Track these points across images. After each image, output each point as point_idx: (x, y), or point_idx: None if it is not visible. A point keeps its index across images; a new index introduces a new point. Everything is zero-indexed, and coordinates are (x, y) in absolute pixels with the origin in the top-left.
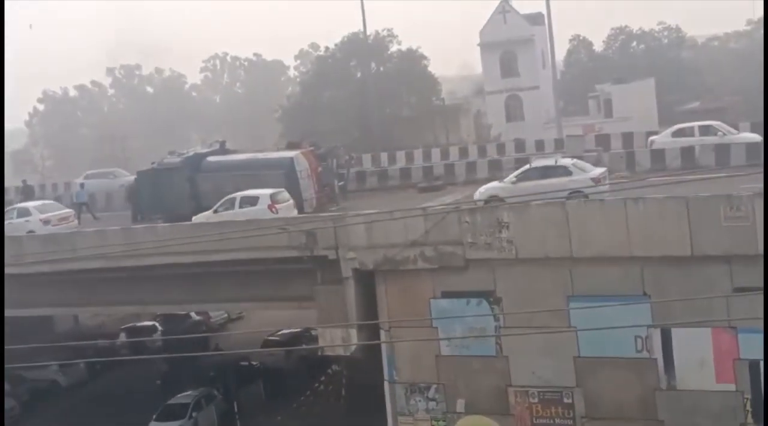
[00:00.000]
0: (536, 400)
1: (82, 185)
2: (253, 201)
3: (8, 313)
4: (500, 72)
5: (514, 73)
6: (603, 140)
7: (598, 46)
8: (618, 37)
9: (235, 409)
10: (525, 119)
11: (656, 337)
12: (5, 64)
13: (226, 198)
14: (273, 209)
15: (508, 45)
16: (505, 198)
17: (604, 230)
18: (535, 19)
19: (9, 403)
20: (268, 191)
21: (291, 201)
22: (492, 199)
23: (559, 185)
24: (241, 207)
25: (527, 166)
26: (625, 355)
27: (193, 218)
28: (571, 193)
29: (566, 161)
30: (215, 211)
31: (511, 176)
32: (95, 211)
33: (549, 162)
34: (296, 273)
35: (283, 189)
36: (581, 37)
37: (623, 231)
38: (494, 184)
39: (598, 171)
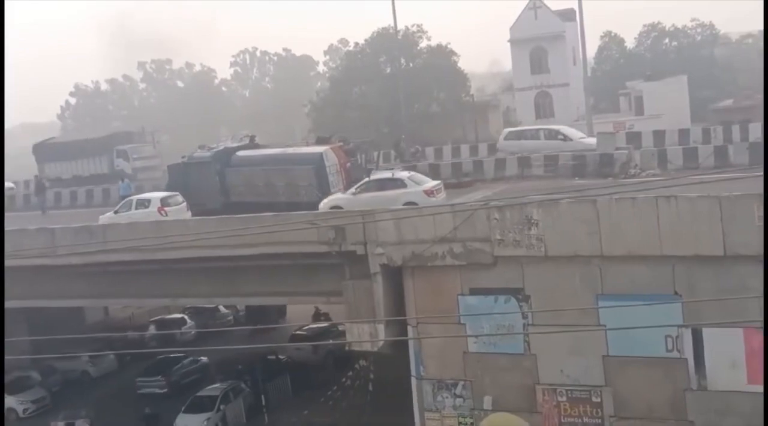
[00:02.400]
0: (564, 398)
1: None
2: (146, 204)
3: (41, 303)
4: (530, 68)
5: (544, 70)
6: (634, 138)
7: (630, 43)
8: (650, 34)
9: (263, 402)
10: (555, 116)
11: (687, 336)
12: (5, 65)
13: (125, 200)
14: (162, 212)
15: (538, 41)
16: (346, 208)
17: (635, 228)
18: (567, 15)
19: (40, 393)
20: (159, 195)
21: (183, 204)
22: (335, 210)
23: (394, 197)
24: (136, 209)
25: (366, 179)
26: (655, 354)
27: (100, 218)
28: (405, 204)
29: (402, 174)
30: (116, 212)
31: (352, 188)
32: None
33: (386, 175)
34: (324, 268)
35: (176, 193)
36: (613, 34)
37: (654, 229)
38: (338, 195)
39: (432, 184)
